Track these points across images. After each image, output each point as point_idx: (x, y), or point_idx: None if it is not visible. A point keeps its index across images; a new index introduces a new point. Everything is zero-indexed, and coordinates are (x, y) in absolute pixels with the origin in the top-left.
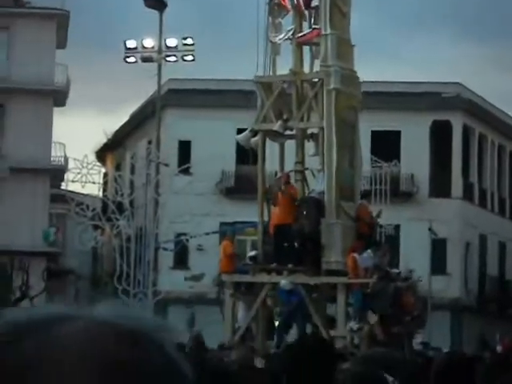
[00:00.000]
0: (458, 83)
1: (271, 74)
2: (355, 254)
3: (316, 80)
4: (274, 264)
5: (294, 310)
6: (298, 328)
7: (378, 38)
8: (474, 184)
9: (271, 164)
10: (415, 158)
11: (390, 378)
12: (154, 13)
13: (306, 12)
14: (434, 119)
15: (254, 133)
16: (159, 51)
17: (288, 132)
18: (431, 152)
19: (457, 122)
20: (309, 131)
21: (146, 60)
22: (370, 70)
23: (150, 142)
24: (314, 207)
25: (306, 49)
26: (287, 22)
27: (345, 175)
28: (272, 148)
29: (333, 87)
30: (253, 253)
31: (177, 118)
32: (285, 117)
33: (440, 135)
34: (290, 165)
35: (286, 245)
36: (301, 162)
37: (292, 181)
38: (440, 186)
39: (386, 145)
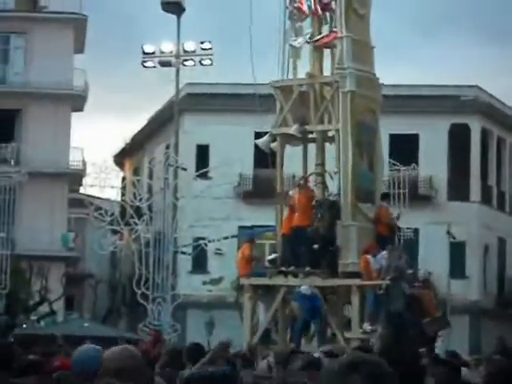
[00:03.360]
0: (475, 86)
1: (291, 77)
2: (368, 256)
3: (333, 82)
4: (291, 267)
5: (312, 313)
6: (315, 331)
7: (395, 41)
8: (493, 187)
9: (291, 167)
10: (433, 162)
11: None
12: (172, 17)
13: (328, 14)
14: (452, 122)
15: (274, 137)
16: (177, 55)
17: (310, 135)
18: (449, 155)
19: (475, 126)
20: (330, 134)
21: (164, 64)
22: (388, 73)
23: (168, 147)
24: (329, 209)
25: (328, 52)
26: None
27: (363, 177)
28: (293, 151)
29: (348, 89)
30: (272, 256)
31: (195, 123)
32: (301, 120)
33: (458, 138)
34: (313, 167)
35: (303, 247)
36: (321, 164)
37: (312, 183)
38: (458, 189)
39: (404, 148)
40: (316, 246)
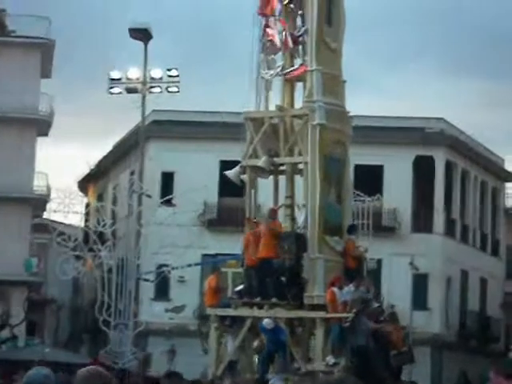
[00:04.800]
0: (441, 119)
1: (263, 109)
2: (334, 288)
3: (303, 115)
4: (257, 298)
5: (276, 346)
6: (280, 362)
7: (362, 72)
8: (456, 219)
9: (259, 197)
10: (398, 193)
11: None
12: (139, 44)
13: (300, 47)
14: (417, 154)
15: (244, 168)
16: (144, 82)
17: (281, 167)
18: (414, 187)
19: (440, 158)
20: (300, 166)
21: (130, 91)
22: (354, 103)
23: (132, 173)
24: (296, 241)
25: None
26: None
27: (330, 210)
28: (262, 182)
29: (317, 123)
30: (240, 287)
31: (160, 150)
32: (271, 153)
33: (423, 170)
34: (283, 199)
35: (269, 279)
36: (290, 196)
37: (282, 215)
38: (422, 221)
39: (369, 179)
40: (280, 278)
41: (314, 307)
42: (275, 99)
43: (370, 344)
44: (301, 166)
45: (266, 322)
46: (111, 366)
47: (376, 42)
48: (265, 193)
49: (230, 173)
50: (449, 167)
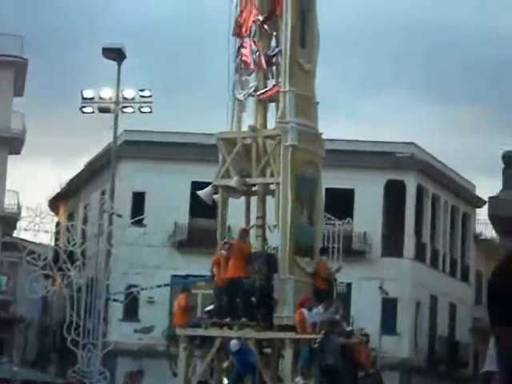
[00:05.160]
0: (412, 143)
1: (236, 130)
2: (303, 309)
3: (276, 136)
4: (227, 318)
5: (245, 367)
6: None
7: (334, 96)
8: (427, 244)
9: (231, 218)
10: (368, 217)
11: None
12: (113, 64)
13: (274, 68)
14: (388, 179)
15: (216, 188)
16: (116, 102)
17: (254, 188)
18: (384, 211)
19: (410, 182)
20: (272, 187)
21: (102, 110)
22: (325, 127)
23: (103, 193)
24: (267, 262)
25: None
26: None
27: (302, 231)
28: (233, 203)
29: (289, 144)
30: (210, 307)
31: (131, 170)
32: (243, 173)
33: (394, 195)
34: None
35: (239, 299)
36: (262, 217)
37: (253, 236)
38: (392, 245)
39: (340, 203)
40: (250, 298)
41: (284, 328)
42: (248, 120)
43: (338, 364)
44: (273, 187)
45: (232, 343)
46: None
47: (351, 64)
48: (236, 214)
49: (202, 192)
50: (420, 192)
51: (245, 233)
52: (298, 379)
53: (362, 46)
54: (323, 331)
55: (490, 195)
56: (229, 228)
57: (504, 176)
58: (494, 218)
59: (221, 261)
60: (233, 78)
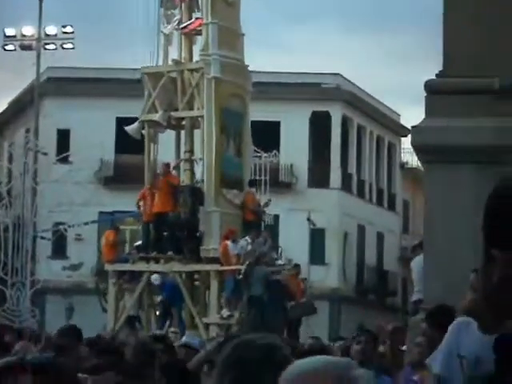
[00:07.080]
0: (337, 74)
1: (161, 64)
2: (227, 241)
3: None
4: (154, 252)
5: (171, 300)
6: (175, 317)
7: (259, 28)
8: (353, 175)
9: (161, 153)
10: (294, 149)
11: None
12: (34, 0)
13: (200, 1)
14: (313, 110)
15: (143, 123)
16: (38, 39)
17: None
18: (310, 143)
19: (336, 113)
20: (199, 120)
21: (24, 48)
22: (251, 59)
23: (28, 131)
24: (192, 195)
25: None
26: None
27: (228, 164)
28: (163, 137)
29: (212, 76)
30: (139, 242)
31: (55, 107)
32: (171, 107)
33: (319, 126)
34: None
35: (165, 233)
36: (189, 151)
37: (182, 169)
38: (319, 176)
39: (266, 135)
40: (176, 232)
41: (210, 260)
42: (175, 54)
43: (265, 294)
44: (200, 120)
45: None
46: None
47: None
48: (166, 148)
49: (129, 128)
50: (345, 122)
51: (166, 167)
52: (224, 311)
53: None
54: (247, 262)
55: (414, 124)
56: (156, 163)
57: (426, 104)
58: (416, 146)
59: (146, 195)
60: (158, 11)
